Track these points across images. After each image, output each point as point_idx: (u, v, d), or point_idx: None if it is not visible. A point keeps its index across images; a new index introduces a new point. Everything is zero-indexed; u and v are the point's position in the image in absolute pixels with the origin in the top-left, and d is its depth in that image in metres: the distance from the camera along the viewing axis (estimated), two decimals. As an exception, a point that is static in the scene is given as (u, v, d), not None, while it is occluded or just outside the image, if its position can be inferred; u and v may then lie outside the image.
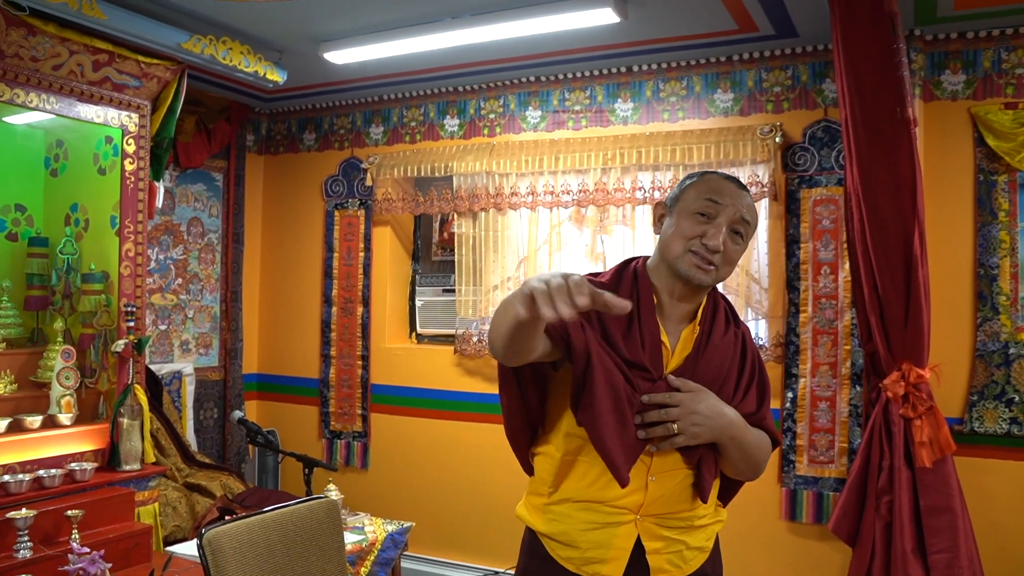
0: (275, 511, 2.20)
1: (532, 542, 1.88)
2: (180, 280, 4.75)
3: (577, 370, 1.66)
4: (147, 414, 3.66)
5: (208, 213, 4.89)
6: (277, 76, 3.92)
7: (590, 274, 1.86)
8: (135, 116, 3.66)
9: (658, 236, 1.82)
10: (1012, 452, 3.52)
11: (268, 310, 5.25)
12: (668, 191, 2.76)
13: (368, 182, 4.78)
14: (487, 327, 4.42)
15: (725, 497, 1.94)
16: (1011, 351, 3.52)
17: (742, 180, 3.85)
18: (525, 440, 1.91)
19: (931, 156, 3.57)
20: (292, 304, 5.13)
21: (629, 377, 1.70)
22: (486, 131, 4.57)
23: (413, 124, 4.77)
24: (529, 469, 1.95)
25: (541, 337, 1.57)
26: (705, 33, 3.74)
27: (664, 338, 1.77)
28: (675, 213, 1.77)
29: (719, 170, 1.88)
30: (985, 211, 3.58)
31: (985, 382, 3.56)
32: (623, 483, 1.67)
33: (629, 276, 1.82)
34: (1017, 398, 3.50)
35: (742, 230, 1.73)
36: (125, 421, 3.53)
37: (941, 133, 3.60)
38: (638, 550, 1.73)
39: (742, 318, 1.93)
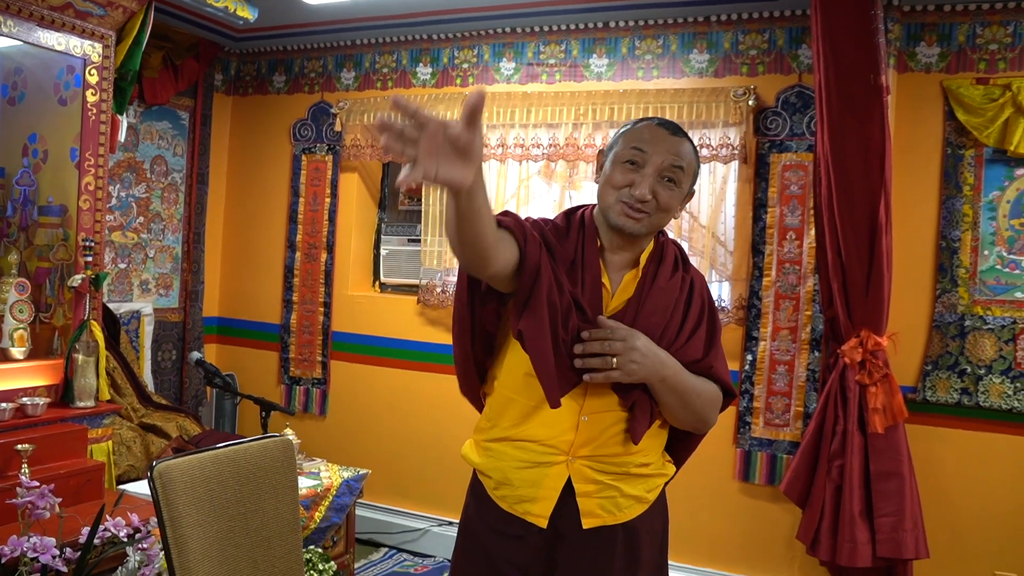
0: (229, 447, 2.17)
1: (474, 482, 1.91)
2: (142, 219, 4.66)
3: (524, 281, 1.66)
4: (103, 351, 3.60)
5: (173, 152, 4.79)
6: (248, 13, 3.83)
7: (542, 218, 1.87)
8: (98, 46, 3.55)
9: (596, 183, 1.83)
10: (961, 421, 3.59)
11: (231, 253, 5.18)
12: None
13: (337, 127, 4.71)
14: (453, 278, 4.42)
15: (676, 454, 1.95)
16: (967, 323, 3.58)
17: (713, 142, 3.86)
18: (475, 379, 1.91)
19: (901, 127, 3.58)
20: (255, 248, 5.07)
21: (567, 314, 1.70)
22: (459, 81, 4.51)
23: (385, 71, 4.69)
24: (479, 404, 1.97)
25: (494, 226, 1.53)
26: (683, -9, 3.72)
27: (605, 280, 1.78)
28: (608, 161, 1.78)
29: (659, 117, 1.86)
30: (951, 184, 3.61)
31: (940, 352, 3.62)
32: (554, 404, 1.68)
33: (576, 220, 1.84)
34: (969, 369, 3.57)
35: (674, 176, 1.73)
36: (80, 357, 3.47)
37: (912, 105, 3.61)
38: (569, 492, 1.74)
39: (707, 280, 1.94)
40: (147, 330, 4.63)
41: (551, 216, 1.92)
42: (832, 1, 2.98)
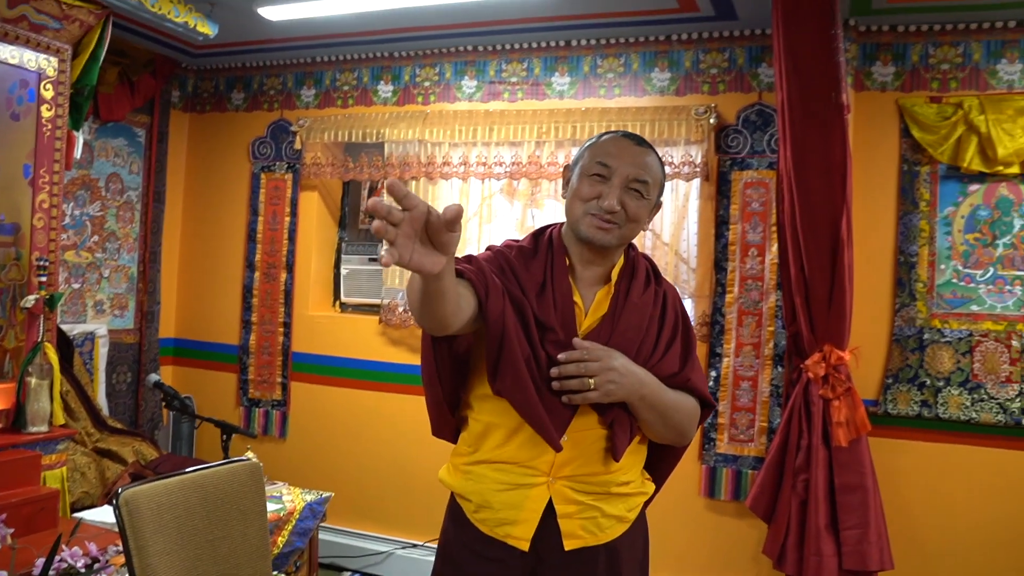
0: (196, 472, 2.12)
1: (452, 505, 1.88)
2: (96, 238, 4.56)
3: (492, 338, 1.64)
4: (57, 374, 3.50)
5: (128, 169, 4.70)
6: (208, 29, 3.78)
7: (509, 240, 1.88)
8: (54, 60, 3.48)
9: (564, 199, 1.83)
10: (922, 433, 3.64)
11: (188, 273, 5.09)
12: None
13: (297, 145, 4.66)
14: (414, 297, 4.39)
15: (657, 472, 1.94)
16: (925, 336, 3.64)
17: (675, 160, 3.90)
18: (448, 420, 1.90)
19: (859, 144, 3.65)
20: (213, 268, 4.99)
21: (542, 340, 1.69)
22: (420, 99, 4.50)
23: (346, 88, 4.66)
24: (454, 437, 1.94)
25: (458, 295, 1.52)
26: (645, 11, 3.74)
27: (577, 299, 1.78)
28: (575, 176, 1.78)
29: (623, 130, 1.88)
30: (907, 200, 3.69)
31: (900, 366, 3.67)
32: (557, 448, 1.68)
33: (544, 241, 1.83)
34: (929, 382, 3.63)
35: (640, 188, 1.74)
36: (33, 381, 3.37)
37: (869, 122, 3.68)
38: (550, 513, 1.72)
39: None
40: (101, 352, 4.52)
41: (518, 236, 1.92)
42: (794, 21, 3.02)
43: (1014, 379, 3.53)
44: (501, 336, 1.64)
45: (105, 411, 4.36)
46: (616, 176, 1.73)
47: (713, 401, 1.91)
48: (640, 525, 1.88)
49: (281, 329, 4.75)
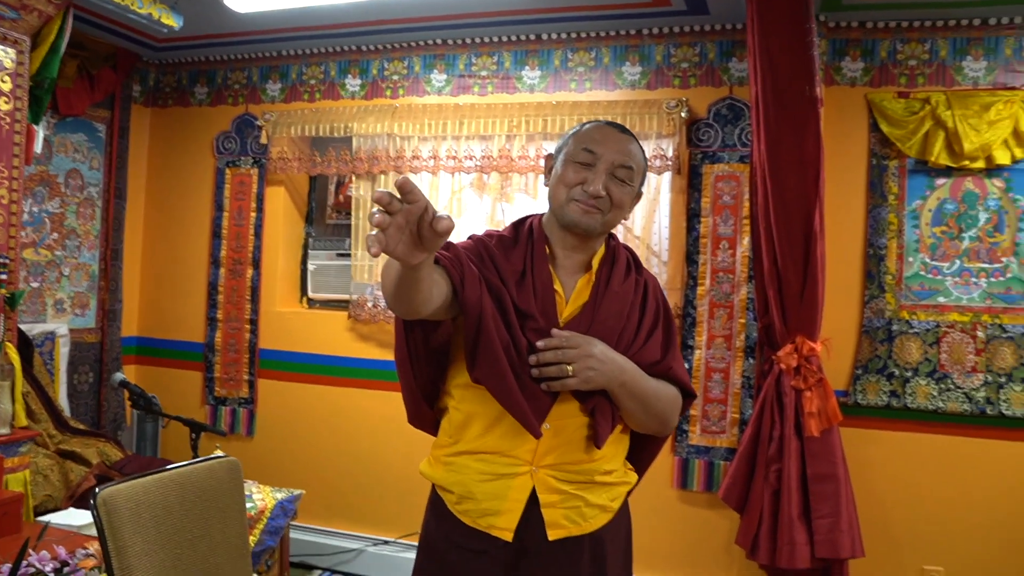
0: (174, 470, 2.07)
1: (434, 499, 1.87)
2: (56, 235, 4.45)
3: (469, 325, 1.65)
4: (19, 375, 3.41)
5: (89, 165, 4.59)
6: (173, 21, 3.70)
7: (491, 230, 1.88)
8: (12, 51, 3.38)
9: (547, 188, 1.84)
10: (891, 423, 3.70)
11: (151, 270, 4.99)
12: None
13: (263, 140, 4.59)
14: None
15: (639, 461, 1.95)
16: (894, 328, 3.70)
17: (647, 153, 3.90)
18: (423, 410, 1.89)
19: (829, 138, 3.68)
20: (177, 265, 4.89)
21: (522, 327, 1.70)
22: (389, 92, 4.45)
23: (313, 82, 4.60)
24: (434, 429, 1.93)
25: (432, 283, 1.53)
26: (616, 4, 3.75)
27: (558, 287, 1.78)
28: (558, 163, 1.80)
29: (606, 120, 1.89)
30: (876, 194, 3.74)
31: (869, 356, 3.72)
32: (536, 434, 1.68)
33: (525, 230, 1.84)
34: (897, 372, 3.68)
35: (623, 175, 1.77)
36: (-5, 381, 3.29)
37: (839, 117, 3.72)
38: (533, 503, 1.72)
39: None
40: (62, 352, 4.41)
41: (488, 230, 1.92)
42: (769, 16, 3.05)
43: (979, 369, 3.60)
44: (478, 323, 1.64)
45: (67, 412, 4.26)
46: (601, 162, 1.75)
47: (694, 391, 1.92)
48: (623, 515, 1.89)
49: (248, 326, 4.68)
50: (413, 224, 1.25)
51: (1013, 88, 3.59)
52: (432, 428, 1.93)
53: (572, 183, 1.75)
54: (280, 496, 3.63)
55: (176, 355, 4.87)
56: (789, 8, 3.01)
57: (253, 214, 4.67)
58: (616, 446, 1.82)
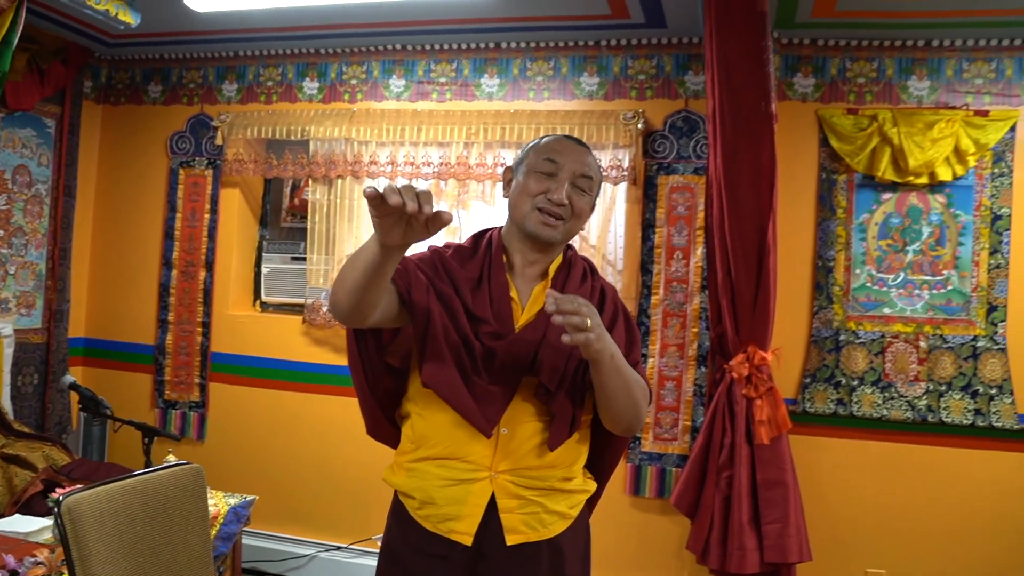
0: (138, 477, 2.06)
1: (396, 505, 1.89)
2: (1, 233, 4.35)
3: (417, 329, 1.72)
4: (-36, 376, 3.34)
5: (37, 162, 4.49)
6: (130, 18, 3.64)
7: (448, 242, 1.93)
8: (-37, 46, 3.31)
9: (506, 199, 1.89)
10: (838, 430, 3.81)
11: (100, 271, 4.90)
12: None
13: (218, 141, 4.54)
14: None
15: (598, 468, 1.98)
16: (841, 337, 3.80)
17: (604, 163, 3.96)
18: (380, 421, 1.94)
19: (781, 152, 3.76)
20: (127, 265, 4.81)
21: (476, 333, 1.74)
22: (347, 97, 4.45)
23: (270, 84, 4.57)
24: (394, 441, 1.96)
25: (387, 288, 1.60)
26: (575, 16, 3.80)
27: (514, 294, 1.83)
28: (519, 173, 1.86)
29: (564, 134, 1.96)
30: (825, 207, 3.84)
31: (817, 366, 3.82)
32: (488, 434, 1.72)
33: (484, 241, 1.90)
34: (844, 381, 3.79)
35: (584, 185, 1.83)
36: (-60, 383, 3.21)
37: (791, 132, 3.81)
38: (493, 509, 1.75)
39: None
40: (6, 352, 4.31)
41: (444, 237, 1.97)
42: (727, 31, 3.12)
43: (921, 378, 3.72)
44: (425, 327, 1.70)
45: (11, 415, 4.16)
46: (563, 172, 1.81)
47: (650, 399, 1.95)
48: (582, 523, 1.92)
49: (200, 329, 4.62)
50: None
51: (954, 108, 3.73)
52: (392, 441, 1.96)
53: (535, 192, 1.80)
54: (233, 501, 3.59)
55: (125, 357, 4.79)
56: (746, 25, 3.09)
57: (207, 215, 4.62)
58: (573, 453, 1.86)
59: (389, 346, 1.89)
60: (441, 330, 1.70)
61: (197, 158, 4.66)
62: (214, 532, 3.46)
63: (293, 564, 4.37)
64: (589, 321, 1.55)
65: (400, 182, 4.29)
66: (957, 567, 3.71)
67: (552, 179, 1.80)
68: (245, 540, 4.10)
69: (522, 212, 1.82)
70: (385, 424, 1.95)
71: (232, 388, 4.60)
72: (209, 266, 4.62)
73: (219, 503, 3.55)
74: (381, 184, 1.42)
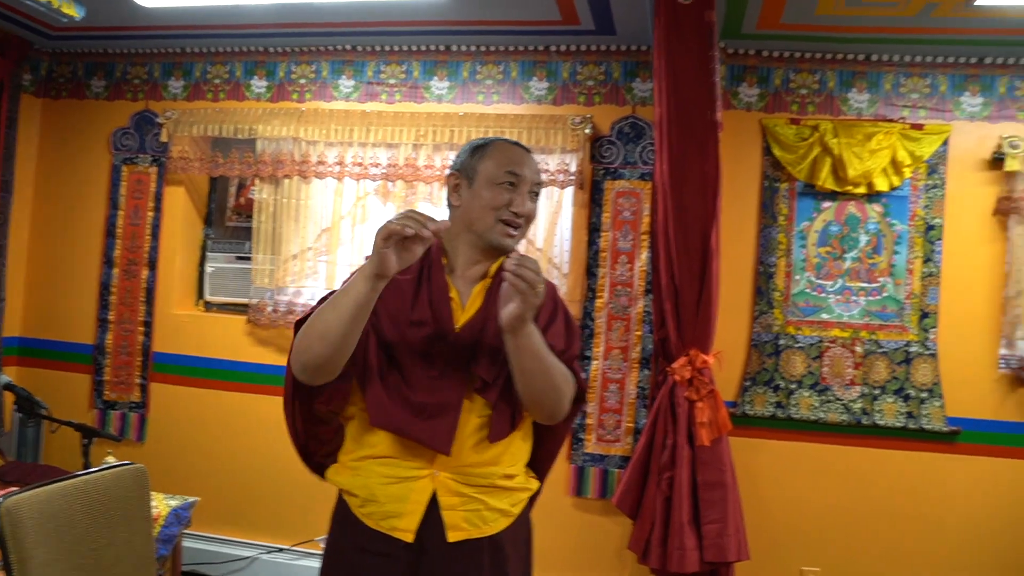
0: (79, 478, 2.03)
1: (339, 504, 1.91)
2: (-66, 228, 4.23)
3: (356, 367, 1.77)
4: None
5: (-28, 156, 4.39)
6: (74, 11, 3.57)
7: None
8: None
9: (455, 205, 1.90)
10: (776, 433, 3.90)
11: (37, 268, 4.78)
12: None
13: (164, 138, 4.47)
14: (285, 297, 4.31)
15: (539, 465, 2.01)
16: (781, 342, 3.90)
17: (551, 167, 4.01)
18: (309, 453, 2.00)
19: (725, 160, 3.83)
20: (66, 263, 4.71)
21: (415, 335, 1.78)
22: (295, 96, 4.42)
23: (217, 81, 4.52)
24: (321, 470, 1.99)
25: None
26: (526, 21, 3.83)
27: (454, 294, 1.86)
28: (476, 183, 1.86)
29: (509, 138, 1.98)
30: (767, 214, 3.94)
31: (757, 369, 3.91)
32: (447, 453, 1.76)
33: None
34: (782, 384, 3.88)
35: (536, 191, 1.91)
36: None
37: (735, 140, 3.90)
38: (435, 506, 1.77)
39: None
40: (-63, 351, 4.20)
41: None
42: (675, 40, 3.18)
43: (856, 382, 3.83)
44: (363, 364, 1.77)
45: (-59, 415, 4.06)
46: (524, 183, 1.85)
47: (586, 395, 1.99)
48: (524, 521, 1.94)
49: (141, 328, 4.55)
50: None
51: (891, 120, 3.85)
52: (317, 472, 2.00)
53: (499, 205, 1.83)
54: (174, 503, 3.54)
55: (62, 357, 4.69)
56: (694, 34, 3.15)
57: (150, 213, 4.55)
58: (517, 451, 1.89)
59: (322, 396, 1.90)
60: (378, 365, 1.77)
61: (141, 155, 4.58)
62: (154, 534, 3.41)
63: (235, 567, 4.32)
64: (541, 287, 1.63)
65: (350, 185, 4.28)
66: (889, 565, 3.83)
67: (514, 191, 1.84)
68: (186, 543, 4.04)
69: (486, 224, 1.83)
70: (310, 456, 2.01)
71: (174, 388, 4.53)
72: (152, 265, 4.55)
73: (159, 505, 3.50)
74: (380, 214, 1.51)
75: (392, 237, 1.55)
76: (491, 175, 1.84)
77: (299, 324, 1.77)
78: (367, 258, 1.63)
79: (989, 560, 3.78)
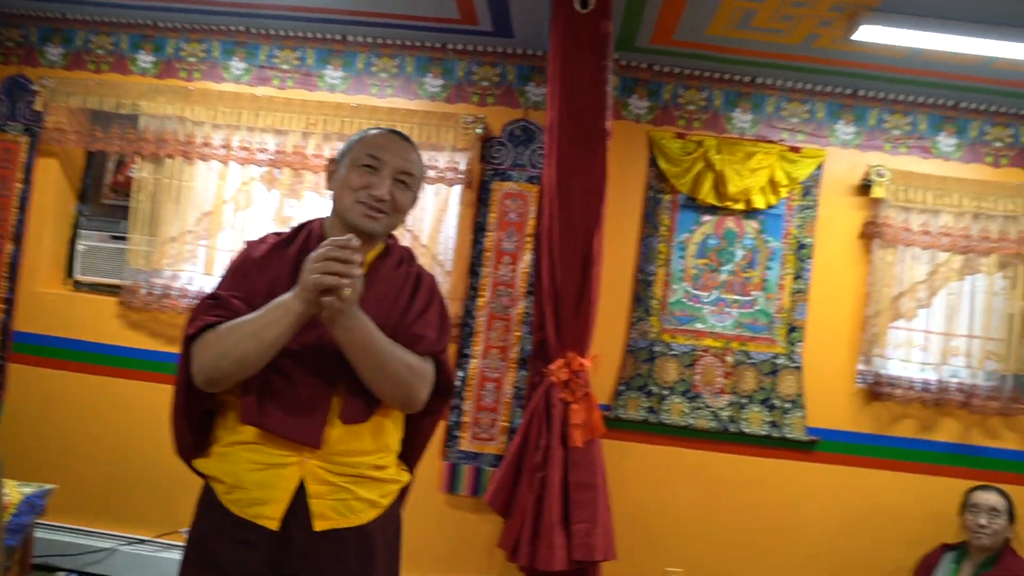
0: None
1: (205, 491, 1.88)
2: None
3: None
4: None
5: None
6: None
7: (273, 233, 1.96)
8: None
9: (330, 191, 1.93)
10: (647, 437, 4.01)
11: None
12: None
13: (38, 107, 4.25)
14: (160, 280, 4.17)
15: (408, 458, 2.02)
16: (656, 349, 4.00)
17: (440, 165, 4.01)
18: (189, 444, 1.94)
19: (612, 169, 3.91)
20: (-78, 232, 4.43)
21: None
22: (184, 74, 4.29)
23: (100, 52, 4.34)
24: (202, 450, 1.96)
25: None
26: (424, 17, 3.83)
27: None
28: (342, 167, 1.90)
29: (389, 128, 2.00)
30: (650, 224, 4.04)
31: (632, 374, 4.01)
32: (317, 447, 1.76)
33: (305, 230, 1.94)
34: (656, 390, 3.99)
35: (407, 180, 1.90)
36: None
37: (622, 150, 3.99)
38: (302, 494, 1.77)
39: None
40: None
41: (274, 225, 1.99)
42: (571, 48, 3.23)
43: (726, 390, 3.98)
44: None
45: None
46: (386, 168, 1.86)
47: (453, 390, 2.01)
48: (393, 513, 1.95)
49: (1, 305, 4.32)
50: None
51: (771, 142, 4.02)
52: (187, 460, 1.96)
53: (357, 187, 1.84)
54: (28, 491, 3.38)
55: (-88, 331, 4.41)
56: (590, 43, 3.21)
57: (19, 185, 4.32)
58: (386, 441, 1.90)
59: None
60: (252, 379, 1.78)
61: (11, 123, 4.35)
62: (3, 524, 3.25)
63: (91, 559, 4.15)
64: (348, 291, 1.65)
65: (235, 169, 4.17)
66: (748, 566, 3.99)
67: (375, 174, 1.84)
68: (39, 533, 3.86)
69: (344, 205, 1.85)
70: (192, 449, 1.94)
71: (36, 370, 4.31)
72: (17, 239, 4.32)
73: (11, 493, 3.33)
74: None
75: (328, 292, 1.64)
76: (354, 157, 1.87)
77: (191, 337, 1.76)
78: (296, 292, 1.68)
79: (841, 561, 4.00)
